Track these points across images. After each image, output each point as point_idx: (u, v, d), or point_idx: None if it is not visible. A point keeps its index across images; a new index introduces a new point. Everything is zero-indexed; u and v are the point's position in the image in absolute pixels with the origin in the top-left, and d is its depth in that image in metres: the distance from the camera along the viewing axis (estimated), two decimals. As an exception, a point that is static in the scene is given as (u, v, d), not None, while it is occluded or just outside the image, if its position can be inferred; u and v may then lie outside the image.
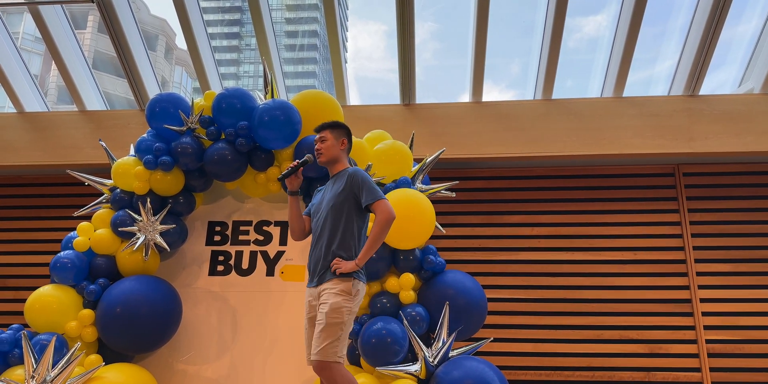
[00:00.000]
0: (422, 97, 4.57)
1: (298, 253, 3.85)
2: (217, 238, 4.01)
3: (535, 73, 4.53)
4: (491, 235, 4.40)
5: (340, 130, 2.88)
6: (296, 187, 2.93)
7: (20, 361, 3.18)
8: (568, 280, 4.25)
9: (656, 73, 4.93)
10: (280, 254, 3.87)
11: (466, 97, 4.62)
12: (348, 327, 2.57)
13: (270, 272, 3.83)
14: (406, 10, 4.04)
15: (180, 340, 3.76)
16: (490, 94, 15.61)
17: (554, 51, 4.25)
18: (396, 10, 4.05)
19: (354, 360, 3.41)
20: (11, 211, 4.77)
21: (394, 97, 4.57)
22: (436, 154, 3.76)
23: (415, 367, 3.05)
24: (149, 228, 3.58)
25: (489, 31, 4.17)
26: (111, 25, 4.33)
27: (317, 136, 2.88)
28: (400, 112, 4.54)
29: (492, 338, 3.38)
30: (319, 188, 3.03)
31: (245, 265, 3.86)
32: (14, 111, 4.82)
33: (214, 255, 3.96)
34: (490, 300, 3.97)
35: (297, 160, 2.87)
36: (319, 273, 2.65)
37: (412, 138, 3.90)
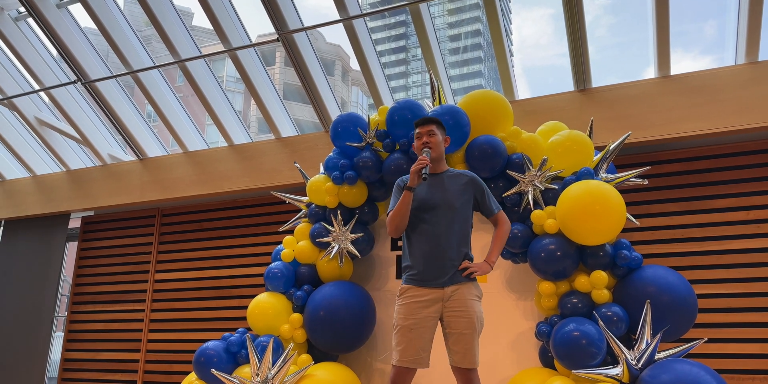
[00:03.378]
0: (599, 79, 4.25)
1: (474, 255, 3.82)
2: (400, 243, 4.17)
3: (734, 34, 3.94)
4: (695, 224, 3.91)
5: (444, 128, 2.88)
6: (418, 184, 2.77)
7: (247, 361, 3.63)
8: (803, 270, 3.60)
9: None
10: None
11: (650, 73, 4.20)
12: None
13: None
14: (572, -11, 3.80)
15: (376, 340, 3.99)
16: (679, 65, 14.01)
17: (757, 3, 3.63)
18: (561, -11, 3.83)
19: (547, 362, 3.29)
20: (230, 231, 5.52)
21: (567, 84, 4.33)
22: (621, 139, 3.48)
23: (616, 371, 2.84)
24: (341, 237, 3.87)
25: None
26: (294, 58, 4.78)
27: (424, 129, 2.79)
28: (575, 99, 4.28)
29: (705, 339, 2.99)
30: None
31: (428, 268, 3.96)
32: (226, 145, 5.60)
33: (399, 259, 4.14)
34: (701, 296, 3.54)
35: (425, 156, 2.73)
36: (450, 273, 2.67)
37: (591, 125, 3.66)
